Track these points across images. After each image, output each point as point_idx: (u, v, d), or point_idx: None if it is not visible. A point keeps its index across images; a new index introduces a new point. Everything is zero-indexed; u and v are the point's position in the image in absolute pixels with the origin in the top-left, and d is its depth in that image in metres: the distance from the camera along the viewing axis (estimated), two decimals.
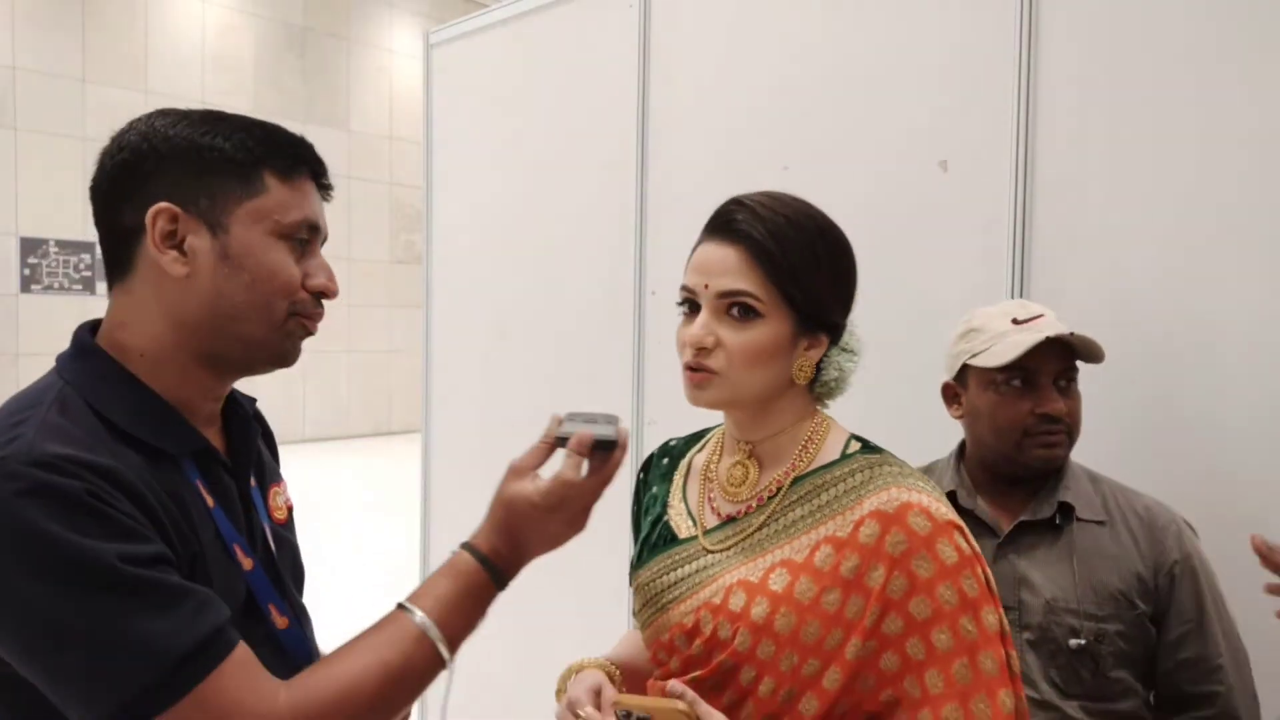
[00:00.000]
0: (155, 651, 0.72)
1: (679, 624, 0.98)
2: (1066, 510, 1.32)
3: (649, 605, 1.03)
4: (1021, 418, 1.31)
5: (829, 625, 0.88)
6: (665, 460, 1.15)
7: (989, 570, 0.91)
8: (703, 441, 1.13)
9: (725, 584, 0.95)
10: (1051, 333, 1.28)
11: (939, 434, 1.74)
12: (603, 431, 0.92)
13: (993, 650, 0.86)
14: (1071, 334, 1.29)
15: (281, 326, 0.88)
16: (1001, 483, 1.38)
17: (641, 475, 1.18)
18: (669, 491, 1.09)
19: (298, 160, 0.89)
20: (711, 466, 1.06)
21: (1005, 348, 1.29)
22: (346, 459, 6.80)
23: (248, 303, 0.85)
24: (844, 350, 0.99)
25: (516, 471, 0.94)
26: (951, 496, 1.37)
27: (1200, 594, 1.27)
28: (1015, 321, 1.32)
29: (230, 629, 0.78)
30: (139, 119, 0.88)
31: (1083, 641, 1.25)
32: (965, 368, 1.37)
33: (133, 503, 0.75)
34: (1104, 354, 1.32)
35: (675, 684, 0.91)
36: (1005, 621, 0.90)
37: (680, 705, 0.88)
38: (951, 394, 1.43)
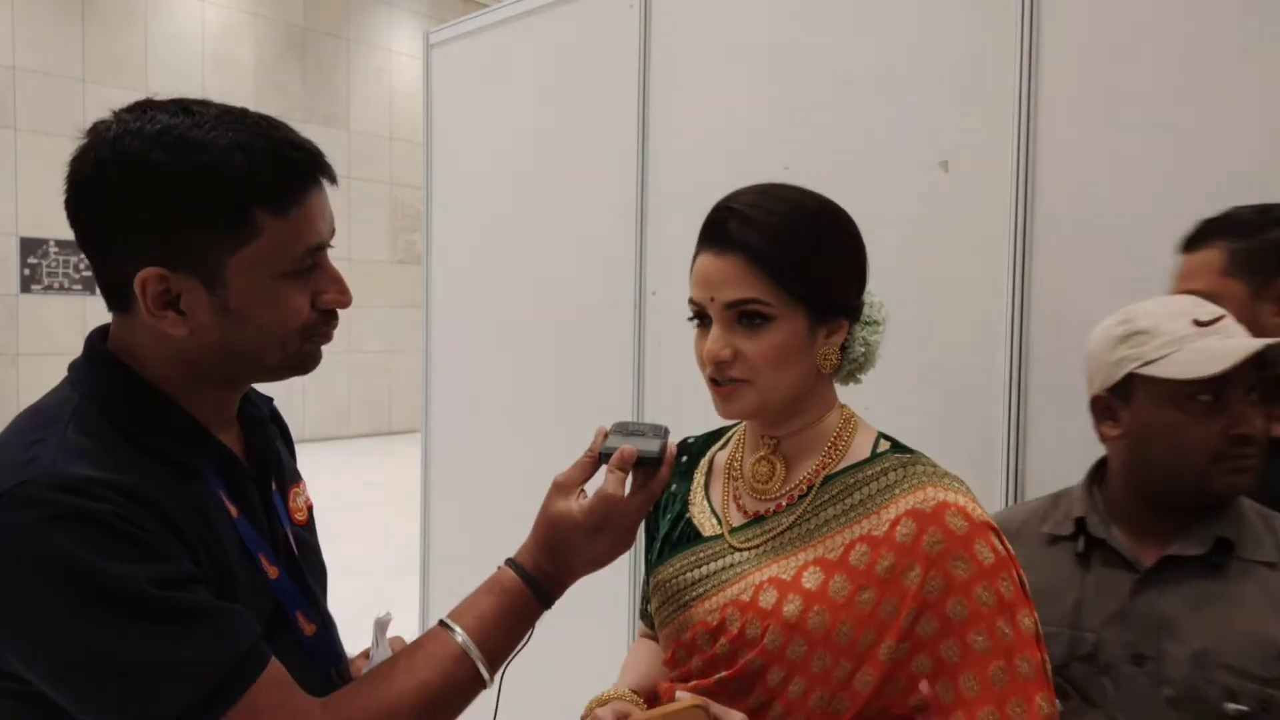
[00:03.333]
0: (190, 675, 0.70)
1: (702, 622, 0.95)
2: (1225, 548, 1.11)
3: (669, 602, 1.00)
4: (1211, 439, 1.08)
5: (863, 625, 0.87)
6: (684, 458, 1.12)
7: (1023, 573, 0.89)
8: (725, 439, 1.11)
9: (755, 581, 0.93)
10: (1261, 344, 1.06)
11: (938, 437, 1.74)
12: (646, 447, 0.90)
13: (1029, 653, 0.85)
14: (1254, 340, 1.07)
15: (296, 354, 0.85)
16: (1148, 512, 1.17)
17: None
18: (689, 489, 1.07)
19: (290, 185, 0.79)
20: (735, 464, 1.04)
21: (1200, 355, 1.07)
22: (346, 459, 6.80)
23: (257, 346, 0.82)
24: (866, 323, 0.97)
25: (560, 488, 0.91)
26: (1080, 524, 1.20)
27: None
28: (1198, 323, 1.10)
29: (263, 646, 0.76)
30: (105, 130, 0.78)
31: (1244, 709, 1.03)
32: (1131, 378, 1.13)
33: (159, 522, 0.73)
34: None
35: (682, 693, 0.89)
36: (1039, 625, 0.88)
37: (695, 700, 0.86)
38: (1104, 408, 1.18)
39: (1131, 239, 1.54)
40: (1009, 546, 0.89)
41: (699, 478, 1.08)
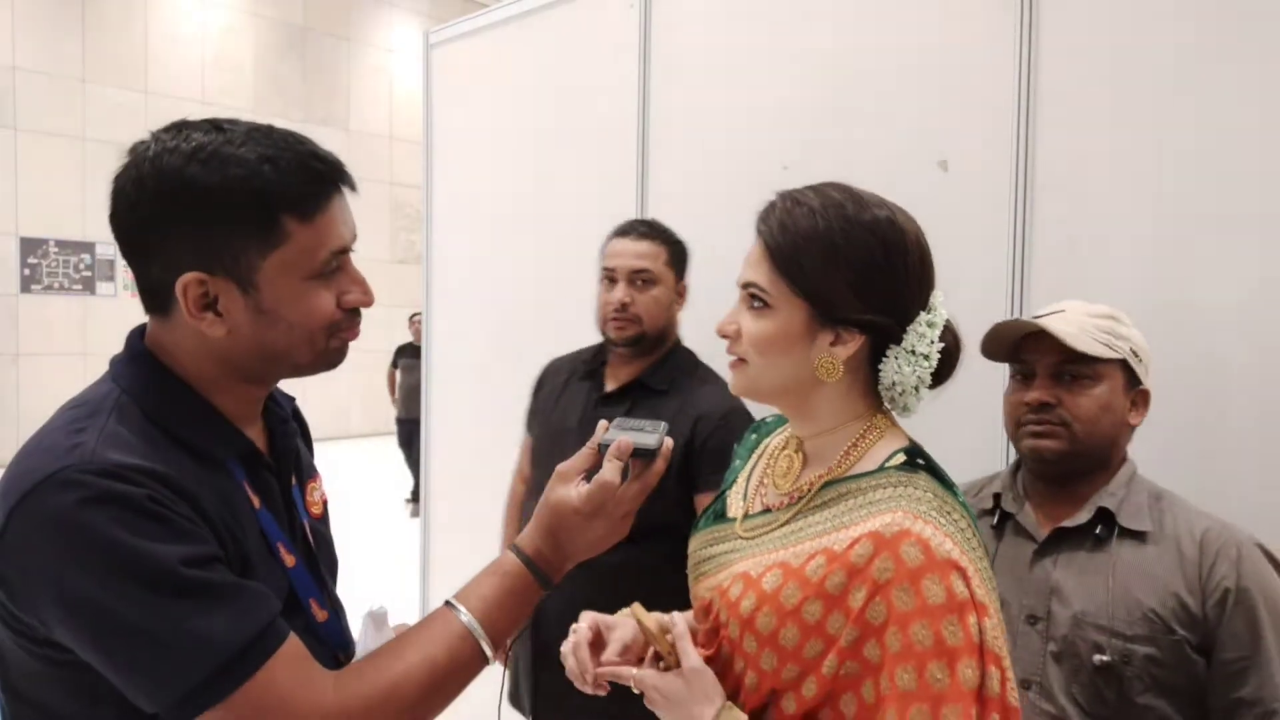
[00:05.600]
0: (214, 646, 0.76)
1: (700, 598, 1.01)
2: (1108, 519, 1.27)
3: (691, 572, 1.07)
4: (1014, 408, 1.32)
5: (807, 634, 0.87)
6: (754, 436, 1.16)
7: (992, 622, 0.84)
8: (785, 426, 1.12)
9: (735, 571, 0.96)
10: (1001, 320, 1.32)
11: (937, 436, 1.74)
12: (643, 440, 0.94)
13: (961, 706, 0.80)
14: (1017, 319, 1.31)
15: (324, 351, 0.91)
16: (1047, 487, 1.34)
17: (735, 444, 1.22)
18: (742, 468, 1.12)
19: (315, 193, 0.87)
20: (775, 454, 1.07)
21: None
22: (346, 459, 6.82)
23: (290, 343, 0.88)
24: (909, 353, 0.92)
25: (561, 476, 0.96)
26: (997, 499, 1.37)
27: (1258, 626, 1.16)
28: (1035, 317, 1.32)
29: (281, 623, 0.81)
30: (145, 149, 0.84)
31: (1107, 659, 1.19)
32: None
33: (189, 507, 0.79)
34: (1081, 344, 1.25)
35: (677, 615, 0.95)
36: (996, 681, 0.82)
37: (668, 636, 0.93)
38: None
39: (1130, 238, 1.54)
40: (975, 590, 0.83)
41: (754, 458, 1.12)
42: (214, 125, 0.85)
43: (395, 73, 11.48)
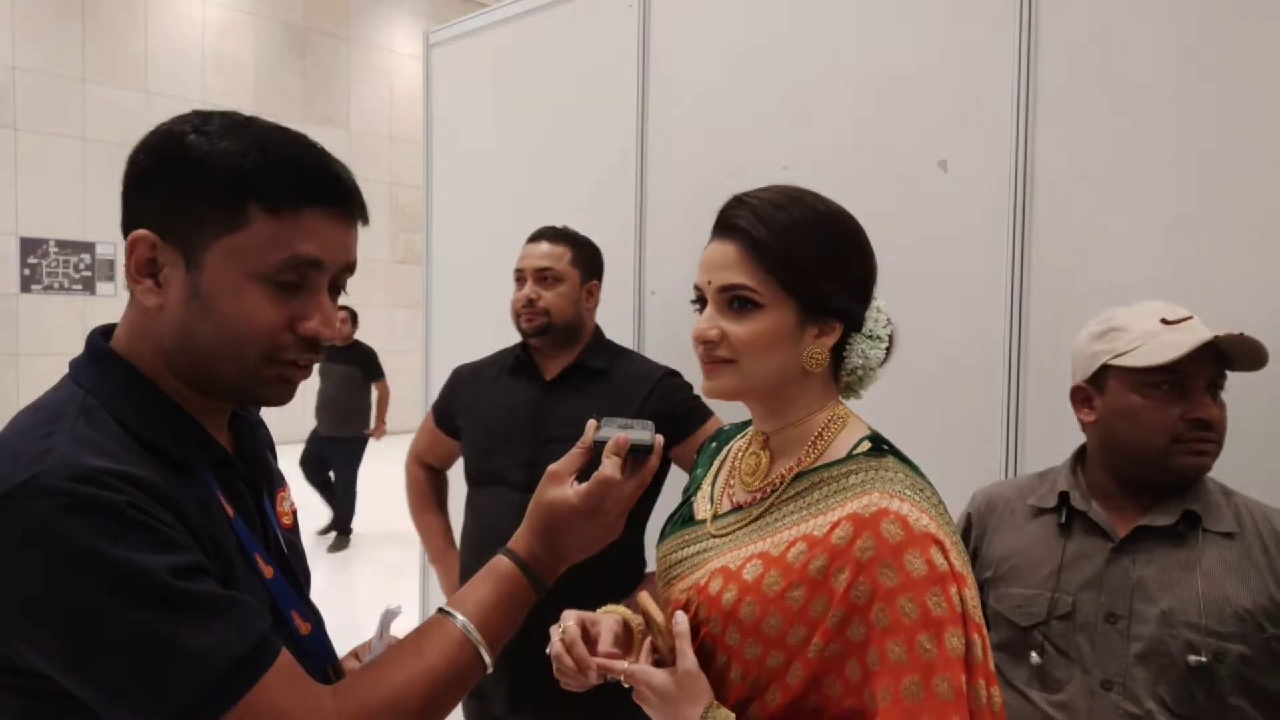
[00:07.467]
0: (206, 662, 0.71)
1: (677, 600, 1.02)
2: (1191, 520, 1.25)
3: (661, 577, 1.08)
4: (1171, 423, 1.23)
5: (792, 620, 0.89)
6: (714, 444, 1.18)
7: (971, 593, 0.87)
8: (746, 431, 1.14)
9: (712, 568, 0.98)
10: (1209, 335, 1.20)
11: (937, 436, 1.75)
12: (639, 437, 0.94)
13: (951, 675, 0.83)
14: (1241, 335, 1.20)
15: (256, 373, 0.83)
16: (1125, 489, 1.31)
17: (695, 456, 1.23)
18: (705, 474, 1.14)
19: (294, 189, 0.80)
20: (739, 455, 1.08)
21: (1159, 347, 1.22)
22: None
23: (216, 346, 0.81)
24: (869, 337, 0.98)
25: (554, 476, 0.94)
26: (1064, 498, 1.34)
27: None
28: (1165, 322, 1.25)
29: (274, 636, 0.77)
30: (176, 120, 0.83)
31: (1203, 659, 1.17)
32: (1105, 369, 1.29)
33: (172, 514, 0.74)
34: (1266, 361, 1.24)
35: (681, 615, 0.96)
36: (979, 648, 0.85)
37: (669, 626, 0.96)
38: (1083, 397, 1.35)
39: (1129, 239, 1.54)
40: (953, 561, 0.86)
41: (715, 464, 1.13)
42: (246, 117, 0.83)
43: (395, 73, 11.47)
